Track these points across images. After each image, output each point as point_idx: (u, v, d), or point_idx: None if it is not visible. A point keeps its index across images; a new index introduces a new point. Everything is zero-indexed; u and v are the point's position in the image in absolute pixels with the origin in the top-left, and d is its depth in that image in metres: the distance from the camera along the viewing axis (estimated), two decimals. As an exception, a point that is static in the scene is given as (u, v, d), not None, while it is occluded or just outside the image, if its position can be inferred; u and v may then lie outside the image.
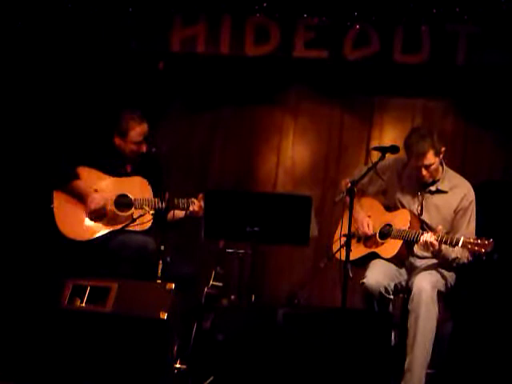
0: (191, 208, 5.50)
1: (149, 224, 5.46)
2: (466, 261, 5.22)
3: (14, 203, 6.36)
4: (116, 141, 5.58)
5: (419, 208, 5.41)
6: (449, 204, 5.37)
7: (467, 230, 5.28)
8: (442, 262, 5.27)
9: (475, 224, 5.33)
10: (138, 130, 5.55)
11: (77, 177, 5.48)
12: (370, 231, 5.47)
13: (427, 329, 5.05)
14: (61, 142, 5.93)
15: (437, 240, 5.08)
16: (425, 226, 5.37)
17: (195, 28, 6.78)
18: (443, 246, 5.12)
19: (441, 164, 5.39)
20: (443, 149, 5.32)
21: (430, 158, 5.26)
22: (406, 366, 5.06)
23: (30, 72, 6.59)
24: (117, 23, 6.72)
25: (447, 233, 5.19)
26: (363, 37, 6.58)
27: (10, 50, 6.53)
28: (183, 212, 5.56)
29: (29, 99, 6.57)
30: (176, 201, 5.47)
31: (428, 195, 5.41)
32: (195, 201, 5.51)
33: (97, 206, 5.45)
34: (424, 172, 5.30)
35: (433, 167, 5.30)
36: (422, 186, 5.42)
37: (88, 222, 5.47)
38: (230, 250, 5.85)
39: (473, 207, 5.36)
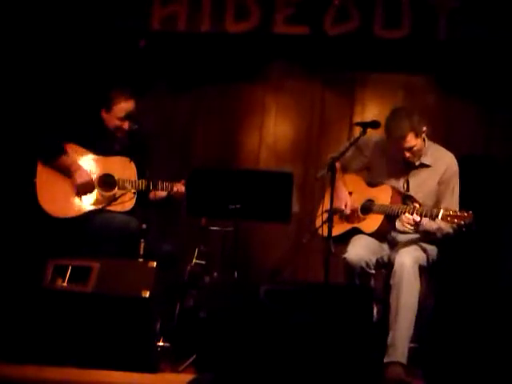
0: (175, 188, 5.50)
1: (131, 204, 5.45)
2: (450, 230, 5.20)
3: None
4: (103, 115, 5.56)
5: (405, 184, 5.41)
6: (433, 177, 5.36)
7: (451, 200, 5.29)
8: (425, 236, 5.27)
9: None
10: (122, 106, 5.53)
11: (64, 152, 5.46)
12: (347, 211, 5.47)
13: (409, 304, 5.06)
14: (48, 119, 5.88)
15: (417, 214, 5.09)
16: (408, 201, 5.36)
17: (175, 6, 6.75)
18: (424, 220, 5.12)
19: (423, 139, 5.36)
20: (424, 128, 5.29)
21: (411, 141, 5.23)
22: (388, 340, 5.07)
23: (17, 50, 6.55)
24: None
25: (433, 206, 5.19)
26: (343, 12, 6.55)
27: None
28: (165, 192, 5.55)
29: (17, 76, 6.52)
30: (160, 184, 5.47)
31: (412, 170, 5.40)
32: (178, 185, 5.51)
33: (84, 180, 5.44)
34: (407, 154, 5.28)
35: (416, 148, 5.28)
36: (406, 163, 5.41)
37: (71, 198, 5.44)
38: (212, 228, 5.84)
39: (456, 178, 5.36)
